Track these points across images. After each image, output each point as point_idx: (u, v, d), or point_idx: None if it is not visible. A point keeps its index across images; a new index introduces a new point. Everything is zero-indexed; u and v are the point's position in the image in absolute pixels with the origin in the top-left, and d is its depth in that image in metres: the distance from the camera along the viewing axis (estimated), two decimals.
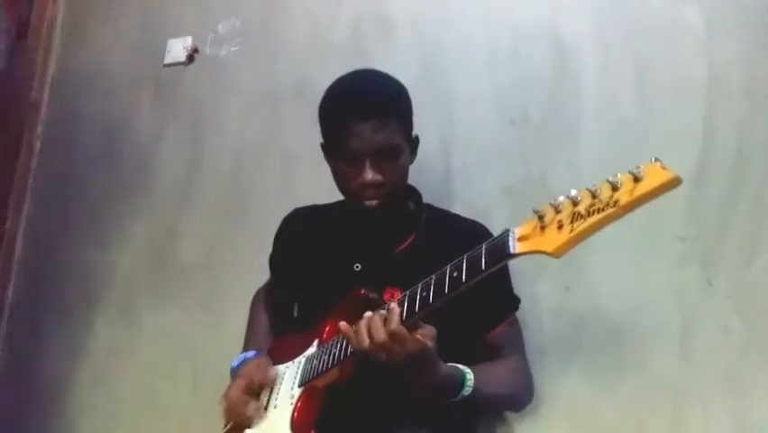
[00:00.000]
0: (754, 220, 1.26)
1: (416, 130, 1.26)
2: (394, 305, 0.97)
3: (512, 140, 1.49)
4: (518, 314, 1.26)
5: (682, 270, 1.29)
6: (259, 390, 1.17)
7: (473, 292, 0.92)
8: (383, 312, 0.98)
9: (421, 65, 1.63)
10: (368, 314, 0.99)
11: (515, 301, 1.25)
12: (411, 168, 1.25)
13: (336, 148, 1.19)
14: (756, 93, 1.31)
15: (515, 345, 1.24)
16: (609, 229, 1.29)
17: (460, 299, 0.93)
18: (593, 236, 1.30)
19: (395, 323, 0.94)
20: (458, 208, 1.40)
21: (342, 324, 1.01)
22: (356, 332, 0.98)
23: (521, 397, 1.25)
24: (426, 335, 0.97)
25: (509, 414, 1.33)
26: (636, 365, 1.28)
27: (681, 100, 1.36)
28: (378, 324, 0.96)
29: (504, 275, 1.24)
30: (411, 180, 1.28)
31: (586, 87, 1.45)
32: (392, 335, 0.94)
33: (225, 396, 1.17)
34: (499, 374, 1.16)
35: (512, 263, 1.22)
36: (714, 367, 1.23)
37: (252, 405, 1.15)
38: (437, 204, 1.35)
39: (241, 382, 1.18)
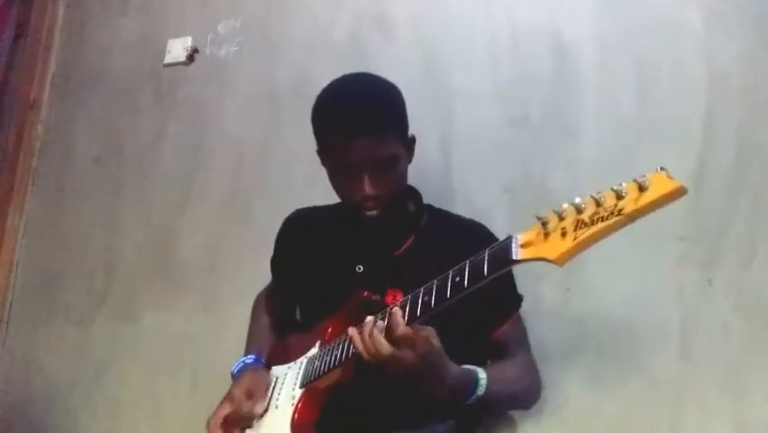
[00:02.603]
0: (754, 220, 1.26)
1: (417, 129, 1.26)
2: (396, 309, 0.96)
3: (512, 139, 1.49)
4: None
5: (682, 270, 1.29)
6: (244, 418, 1.15)
7: (477, 292, 0.91)
8: (381, 323, 0.96)
9: (421, 65, 1.63)
10: (368, 319, 0.98)
11: (518, 299, 1.25)
12: (411, 167, 1.25)
13: (334, 160, 1.18)
14: (756, 93, 1.31)
15: (521, 342, 1.24)
16: None
17: (463, 300, 0.93)
18: None
19: (401, 328, 0.93)
20: (458, 207, 1.40)
21: (353, 331, 1.00)
22: (363, 341, 0.97)
23: (532, 394, 1.25)
24: (429, 334, 0.97)
25: (510, 415, 1.32)
26: (637, 366, 1.28)
27: (681, 100, 1.36)
28: (381, 339, 0.94)
29: (507, 274, 1.24)
30: (411, 180, 1.28)
31: (586, 87, 1.45)
32: (400, 340, 0.93)
33: (207, 424, 1.16)
34: (510, 373, 1.15)
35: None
36: (714, 367, 1.23)
37: None
38: (437, 202, 1.35)
39: (223, 410, 1.16)
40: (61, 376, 1.89)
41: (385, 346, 0.94)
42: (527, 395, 1.24)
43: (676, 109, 1.36)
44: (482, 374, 1.05)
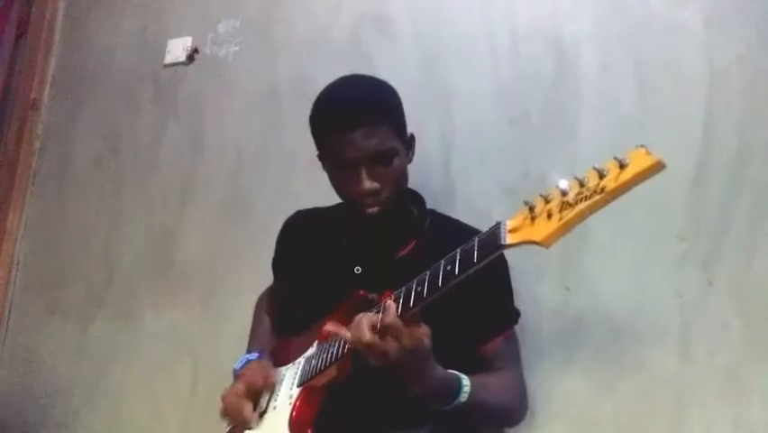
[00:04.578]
0: (754, 220, 1.26)
1: (417, 129, 1.26)
2: (390, 301, 0.96)
3: (512, 139, 1.49)
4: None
5: (682, 270, 1.29)
6: (258, 394, 1.17)
7: (474, 302, 0.91)
8: (373, 315, 0.97)
9: (421, 64, 1.63)
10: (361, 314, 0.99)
11: (514, 315, 1.24)
12: (411, 167, 1.25)
13: (331, 158, 1.19)
14: (756, 93, 1.31)
15: (511, 358, 1.23)
16: (610, 229, 1.30)
17: (459, 305, 0.92)
18: (593, 237, 1.32)
19: (390, 316, 0.93)
20: (458, 207, 1.40)
21: (328, 325, 1.02)
22: (351, 328, 0.98)
23: (515, 410, 1.23)
24: (422, 333, 0.96)
25: None
26: (636, 365, 1.28)
27: (681, 100, 1.36)
28: (366, 322, 0.96)
29: (505, 287, 1.24)
30: (411, 180, 1.28)
31: (586, 86, 1.45)
32: (387, 328, 0.93)
33: (223, 398, 1.18)
34: (495, 385, 1.14)
35: (513, 264, 1.24)
36: (714, 367, 1.23)
37: (248, 409, 1.14)
38: (437, 203, 1.35)
39: (240, 386, 1.18)
40: (61, 376, 1.89)
41: (365, 333, 0.94)
42: (510, 411, 1.22)
43: (676, 109, 1.36)
44: (466, 381, 1.04)
